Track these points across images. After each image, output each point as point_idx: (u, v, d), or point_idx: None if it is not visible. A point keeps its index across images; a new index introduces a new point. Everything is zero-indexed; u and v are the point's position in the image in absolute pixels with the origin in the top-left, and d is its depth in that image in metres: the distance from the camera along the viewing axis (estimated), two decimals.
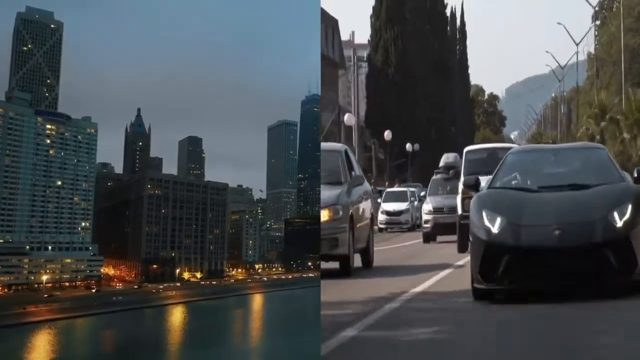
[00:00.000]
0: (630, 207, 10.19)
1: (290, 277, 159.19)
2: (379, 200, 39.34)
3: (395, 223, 39.58)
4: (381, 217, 39.07)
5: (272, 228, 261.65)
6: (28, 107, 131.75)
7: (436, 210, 28.29)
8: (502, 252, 10.02)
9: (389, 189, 44.56)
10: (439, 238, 27.94)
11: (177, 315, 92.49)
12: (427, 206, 28.78)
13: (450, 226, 24.62)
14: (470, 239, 10.63)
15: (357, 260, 16.74)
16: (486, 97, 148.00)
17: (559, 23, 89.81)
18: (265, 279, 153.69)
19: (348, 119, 59.22)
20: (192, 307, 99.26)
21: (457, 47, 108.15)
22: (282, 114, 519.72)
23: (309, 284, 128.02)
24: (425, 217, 28.62)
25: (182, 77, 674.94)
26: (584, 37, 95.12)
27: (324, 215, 15.55)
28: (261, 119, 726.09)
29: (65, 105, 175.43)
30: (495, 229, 10.17)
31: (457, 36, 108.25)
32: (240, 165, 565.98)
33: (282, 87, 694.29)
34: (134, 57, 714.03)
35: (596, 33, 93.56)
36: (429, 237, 28.10)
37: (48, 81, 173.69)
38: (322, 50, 68.50)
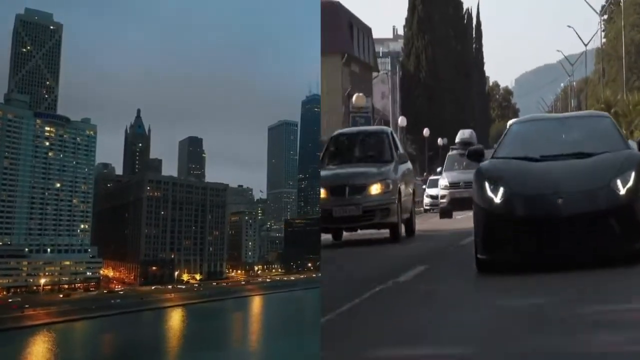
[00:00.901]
0: (633, 174, 10.06)
1: (290, 278, 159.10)
2: (423, 186, 41.41)
3: (438, 205, 42.72)
4: (426, 200, 40.59)
5: (272, 229, 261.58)
6: (27, 109, 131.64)
7: (452, 185, 28.46)
8: (505, 222, 9.95)
9: (431, 177, 47.04)
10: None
11: (176, 318, 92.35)
12: (443, 181, 28.46)
13: (466, 200, 24.20)
14: (473, 209, 10.58)
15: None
16: (501, 91, 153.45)
17: (569, 26, 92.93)
18: (266, 280, 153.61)
19: (401, 121, 65.39)
20: (191, 310, 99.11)
21: (474, 46, 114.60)
22: (283, 114, 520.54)
23: (309, 285, 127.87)
24: (441, 192, 28.31)
25: (182, 77, 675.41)
26: (592, 37, 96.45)
27: (377, 188, 17.57)
28: (261, 119, 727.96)
29: (65, 107, 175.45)
30: (498, 199, 10.11)
31: (474, 35, 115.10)
32: (240, 165, 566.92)
33: (283, 87, 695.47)
34: (135, 58, 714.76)
35: (604, 27, 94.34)
36: (445, 213, 27.63)
37: (47, 83, 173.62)
38: (357, 54, 73.08)
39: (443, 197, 27.97)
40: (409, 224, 19.39)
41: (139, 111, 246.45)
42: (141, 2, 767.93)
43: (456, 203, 27.42)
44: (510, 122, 12.83)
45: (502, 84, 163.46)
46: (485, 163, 11.31)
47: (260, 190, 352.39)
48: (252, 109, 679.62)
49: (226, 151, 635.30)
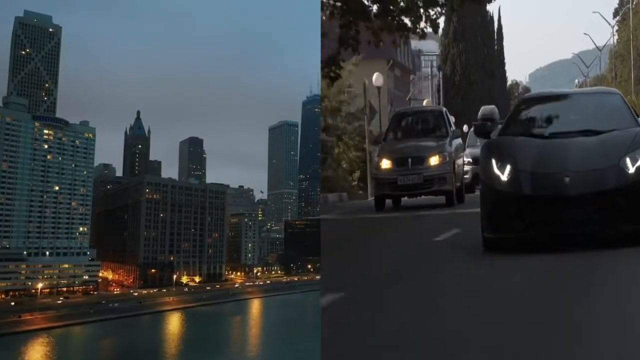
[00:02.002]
0: None
1: (289, 280, 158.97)
2: None
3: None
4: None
5: (273, 230, 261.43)
6: (25, 112, 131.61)
7: (474, 161, 28.86)
8: (512, 200, 9.78)
9: None
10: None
11: (175, 322, 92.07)
12: (465, 158, 28.30)
13: None
14: (480, 187, 10.43)
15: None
16: (520, 89, 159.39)
17: (585, 33, 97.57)
18: (265, 282, 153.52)
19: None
20: (190, 313, 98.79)
21: (496, 47, 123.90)
22: (283, 114, 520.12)
23: (308, 287, 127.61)
24: (465, 168, 28.01)
25: (183, 78, 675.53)
26: (605, 44, 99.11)
27: (436, 159, 20.32)
28: (262, 119, 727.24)
29: (65, 109, 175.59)
30: (504, 177, 9.94)
31: (495, 37, 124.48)
32: (241, 165, 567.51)
33: (283, 87, 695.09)
34: (135, 58, 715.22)
35: (617, 29, 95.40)
36: (467, 188, 27.69)
37: (46, 85, 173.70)
38: (396, 57, 79.70)
39: (466, 172, 27.55)
40: (460, 191, 21.69)
41: (138, 112, 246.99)
42: (141, 3, 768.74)
43: (478, 178, 28.29)
44: (521, 96, 12.82)
45: (517, 79, 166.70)
46: (492, 140, 11.18)
47: (260, 191, 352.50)
48: (253, 109, 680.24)
49: (227, 152, 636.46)
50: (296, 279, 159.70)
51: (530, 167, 9.87)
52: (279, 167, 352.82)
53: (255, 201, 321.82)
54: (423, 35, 17.86)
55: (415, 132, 22.34)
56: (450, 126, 22.25)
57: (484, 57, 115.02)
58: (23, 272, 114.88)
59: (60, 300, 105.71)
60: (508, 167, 9.95)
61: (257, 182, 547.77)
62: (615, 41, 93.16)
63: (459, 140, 22.31)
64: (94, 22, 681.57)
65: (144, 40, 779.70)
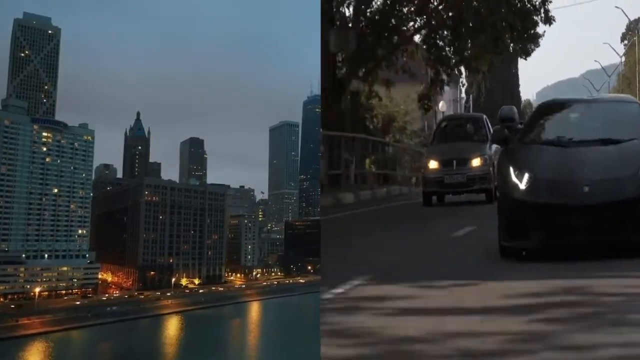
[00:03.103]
0: None
1: (289, 281, 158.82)
2: None
3: None
4: None
5: (273, 230, 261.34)
6: (24, 114, 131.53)
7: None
8: (530, 208, 9.73)
9: None
10: None
11: (173, 326, 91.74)
12: None
13: None
14: (498, 194, 10.49)
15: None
16: (533, 108, 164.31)
17: (596, 61, 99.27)
18: (265, 284, 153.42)
19: None
20: (189, 317, 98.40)
21: (512, 71, 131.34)
22: (284, 114, 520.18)
23: (308, 289, 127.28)
24: None
25: (184, 78, 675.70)
26: (614, 70, 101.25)
27: (478, 161, 22.96)
28: (263, 119, 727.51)
29: (64, 110, 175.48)
30: (522, 185, 9.91)
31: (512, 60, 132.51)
32: (242, 166, 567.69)
33: (284, 87, 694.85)
34: (136, 59, 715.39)
35: (624, 53, 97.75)
36: None
37: (46, 87, 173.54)
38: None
39: None
40: (497, 190, 24.82)
41: (138, 114, 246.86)
42: (141, 3, 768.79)
43: None
44: (540, 103, 12.48)
45: (526, 97, 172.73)
46: (510, 147, 11.09)
47: (261, 192, 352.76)
48: (253, 109, 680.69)
49: (227, 152, 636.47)
50: (300, 280, 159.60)
51: (549, 175, 9.84)
52: (279, 168, 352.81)
53: (256, 201, 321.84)
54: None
55: (459, 136, 24.90)
56: (490, 131, 24.53)
57: (504, 80, 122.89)
58: (22, 275, 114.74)
59: (58, 304, 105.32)
60: (526, 176, 9.94)
61: (258, 183, 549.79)
62: (622, 65, 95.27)
63: (495, 145, 23.69)
64: (93, 22, 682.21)
65: (145, 40, 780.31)
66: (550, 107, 12.00)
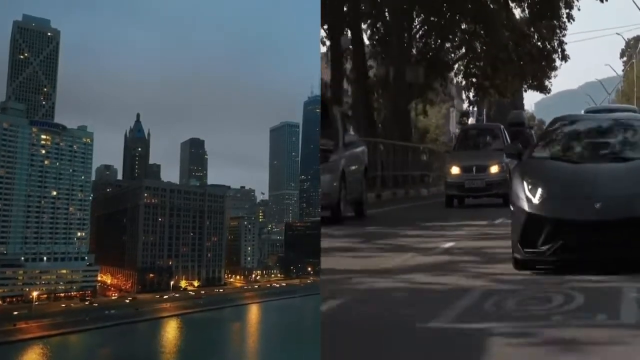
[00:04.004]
0: None
1: (289, 283, 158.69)
2: None
3: None
4: None
5: (273, 232, 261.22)
6: (23, 117, 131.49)
7: None
8: (542, 223, 9.99)
9: None
10: None
11: (172, 329, 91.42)
12: None
13: None
14: (512, 208, 10.64)
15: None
16: (536, 122, 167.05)
17: (596, 79, 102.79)
18: (265, 285, 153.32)
19: None
20: (187, 320, 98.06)
21: None
22: (284, 115, 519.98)
23: (308, 291, 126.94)
24: None
25: (184, 79, 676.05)
26: (614, 89, 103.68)
27: (496, 168, 25.07)
28: (263, 120, 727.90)
29: (64, 112, 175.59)
30: (536, 200, 10.16)
31: None
32: (242, 166, 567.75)
33: (284, 88, 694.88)
34: (136, 60, 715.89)
35: (623, 70, 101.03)
36: None
37: (45, 89, 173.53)
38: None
39: None
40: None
41: (138, 115, 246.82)
42: (141, 4, 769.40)
43: None
44: (553, 118, 12.92)
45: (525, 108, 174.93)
46: (524, 162, 11.32)
47: (261, 192, 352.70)
48: (254, 110, 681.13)
49: (228, 153, 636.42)
50: (300, 282, 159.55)
51: (561, 191, 10.10)
52: (280, 168, 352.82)
53: (257, 202, 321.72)
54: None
55: (478, 144, 27.08)
56: (507, 139, 27.13)
57: (512, 92, 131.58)
58: (20, 278, 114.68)
59: (57, 307, 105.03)
60: (539, 191, 10.18)
61: (258, 183, 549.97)
62: (621, 82, 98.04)
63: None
64: (93, 23, 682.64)
65: (145, 41, 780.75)
66: (564, 123, 12.22)
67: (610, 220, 9.68)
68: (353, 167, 21.86)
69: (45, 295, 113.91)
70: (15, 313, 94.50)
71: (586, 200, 9.88)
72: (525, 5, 44.68)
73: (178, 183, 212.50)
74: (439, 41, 46.82)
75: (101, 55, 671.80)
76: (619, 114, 12.75)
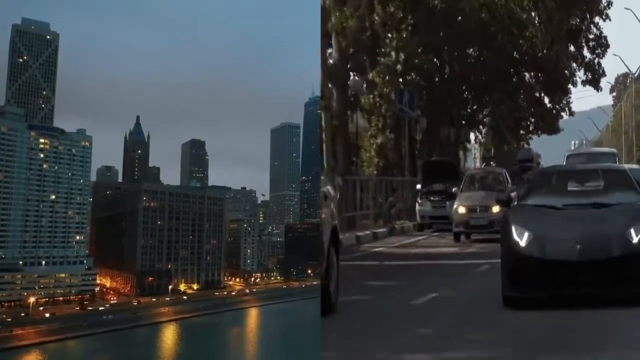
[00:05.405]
0: None
1: (289, 286, 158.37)
2: None
3: None
4: None
5: (274, 233, 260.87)
6: (22, 121, 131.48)
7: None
8: (529, 263, 11.12)
9: None
10: None
11: (171, 334, 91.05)
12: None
13: None
14: (501, 250, 11.81)
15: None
16: (541, 158, 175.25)
17: (589, 118, 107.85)
18: (264, 288, 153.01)
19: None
20: (186, 325, 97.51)
21: None
22: (285, 116, 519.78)
23: (308, 295, 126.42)
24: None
25: (184, 80, 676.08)
26: (605, 126, 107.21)
27: (497, 208, 27.06)
28: (264, 121, 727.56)
29: (63, 115, 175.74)
30: (523, 242, 11.30)
31: None
32: (243, 167, 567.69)
33: (285, 89, 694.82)
34: (137, 61, 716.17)
35: (613, 104, 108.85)
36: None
37: (44, 93, 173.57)
38: None
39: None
40: None
41: (138, 118, 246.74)
42: (142, 6, 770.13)
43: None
44: (537, 169, 15.46)
45: None
46: (513, 208, 12.83)
47: (262, 194, 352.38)
48: (255, 111, 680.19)
49: (229, 153, 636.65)
50: (290, 285, 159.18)
51: (546, 234, 11.26)
52: (281, 169, 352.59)
53: (257, 203, 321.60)
54: None
55: (482, 186, 30.56)
56: (508, 183, 30.18)
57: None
58: (19, 282, 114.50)
59: (55, 312, 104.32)
60: (526, 234, 11.31)
61: (259, 184, 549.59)
62: (611, 119, 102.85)
63: (514, 193, 29.19)
64: (93, 26, 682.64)
65: (145, 42, 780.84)
66: (549, 173, 13.76)
67: (589, 260, 10.83)
68: None
69: (44, 300, 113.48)
70: (12, 319, 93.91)
71: (568, 242, 11.05)
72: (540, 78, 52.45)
73: (179, 184, 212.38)
74: (475, 106, 54.71)
75: (101, 57, 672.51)
76: (598, 164, 14.21)
